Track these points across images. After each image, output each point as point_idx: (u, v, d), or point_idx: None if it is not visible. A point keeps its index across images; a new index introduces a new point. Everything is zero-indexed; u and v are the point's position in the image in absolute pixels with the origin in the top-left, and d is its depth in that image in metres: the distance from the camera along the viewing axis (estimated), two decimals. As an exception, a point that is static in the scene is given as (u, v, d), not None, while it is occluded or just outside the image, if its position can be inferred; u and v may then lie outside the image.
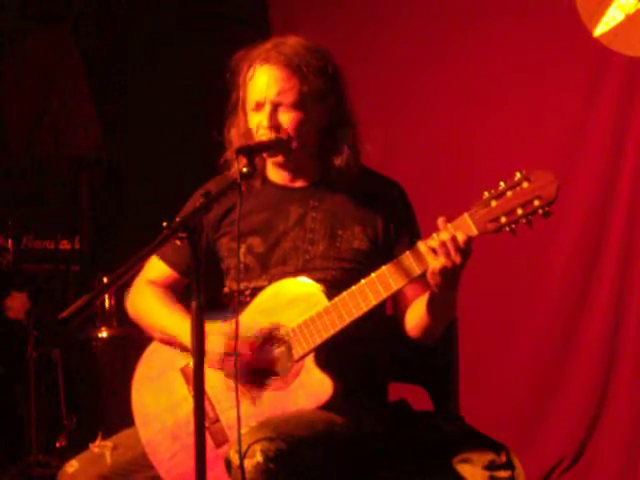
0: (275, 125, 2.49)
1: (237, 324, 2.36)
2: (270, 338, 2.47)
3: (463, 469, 2.49)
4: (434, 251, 2.28)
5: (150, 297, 2.66)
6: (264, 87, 2.51)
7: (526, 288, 4.14)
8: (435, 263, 2.28)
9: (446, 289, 2.33)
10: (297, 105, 2.49)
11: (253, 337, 2.45)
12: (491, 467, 2.47)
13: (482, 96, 4.20)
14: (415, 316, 2.50)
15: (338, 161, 2.55)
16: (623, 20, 3.91)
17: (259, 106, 2.52)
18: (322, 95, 2.53)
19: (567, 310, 4.07)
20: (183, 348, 2.53)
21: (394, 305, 2.58)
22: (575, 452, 4.02)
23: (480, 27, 4.21)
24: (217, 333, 2.44)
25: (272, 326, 2.47)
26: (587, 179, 4.00)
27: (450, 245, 2.26)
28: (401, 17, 4.41)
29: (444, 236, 2.26)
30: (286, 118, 2.50)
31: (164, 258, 2.66)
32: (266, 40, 2.58)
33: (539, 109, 4.07)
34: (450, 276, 2.29)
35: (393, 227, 2.56)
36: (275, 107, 2.50)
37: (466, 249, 2.26)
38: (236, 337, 2.35)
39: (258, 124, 2.51)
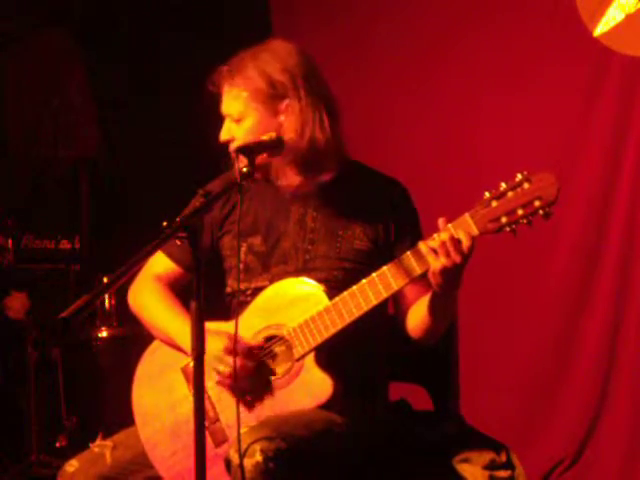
0: (228, 138, 2.55)
1: (237, 324, 2.36)
2: (268, 346, 2.48)
3: (463, 469, 2.49)
4: (435, 251, 2.28)
5: (152, 295, 2.67)
6: (222, 105, 2.57)
7: (526, 288, 4.14)
8: (436, 263, 2.28)
9: (448, 289, 2.33)
10: (242, 113, 2.52)
11: (251, 349, 2.46)
12: (491, 467, 2.48)
13: (482, 96, 4.20)
14: (417, 317, 2.50)
15: (322, 157, 2.54)
16: (623, 20, 3.91)
17: (223, 122, 2.59)
18: (272, 97, 2.52)
19: (567, 310, 4.07)
20: (182, 351, 2.53)
21: (395, 306, 2.58)
22: (575, 452, 4.02)
23: (480, 27, 4.21)
24: (216, 339, 2.44)
25: (272, 327, 2.48)
26: (587, 179, 4.00)
27: (450, 245, 2.26)
28: (402, 17, 4.41)
29: (445, 236, 2.26)
30: (236, 127, 2.54)
31: (168, 254, 2.67)
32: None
33: (539, 109, 4.07)
34: (451, 276, 2.29)
35: (394, 227, 2.56)
36: (230, 120, 2.55)
37: (467, 249, 2.26)
38: (235, 337, 2.35)
39: None
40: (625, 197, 3.94)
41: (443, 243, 2.26)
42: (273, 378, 2.45)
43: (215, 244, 2.66)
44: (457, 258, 2.26)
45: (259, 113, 2.52)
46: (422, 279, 2.36)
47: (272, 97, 2.52)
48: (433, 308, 2.42)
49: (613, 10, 3.92)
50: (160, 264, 2.68)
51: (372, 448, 2.51)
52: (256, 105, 2.52)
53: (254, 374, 2.44)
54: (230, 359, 2.39)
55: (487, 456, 2.50)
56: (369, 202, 2.57)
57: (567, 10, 3.98)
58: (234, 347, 2.36)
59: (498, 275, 4.13)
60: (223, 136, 2.56)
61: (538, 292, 4.12)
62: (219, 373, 2.43)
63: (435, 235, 2.30)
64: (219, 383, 2.46)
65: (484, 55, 4.20)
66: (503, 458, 2.51)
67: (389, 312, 2.61)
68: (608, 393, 3.98)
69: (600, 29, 3.95)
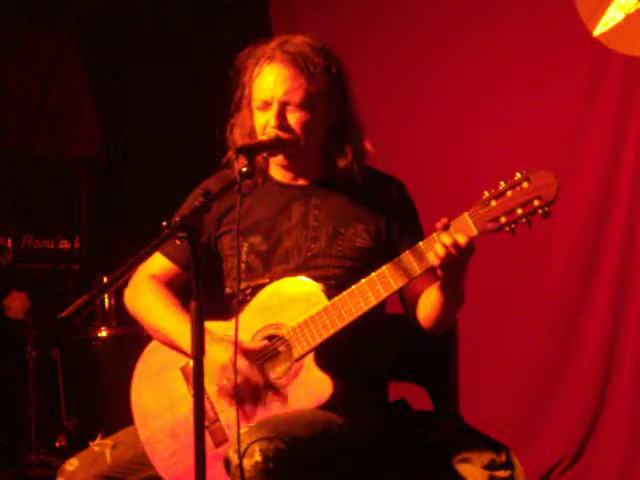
0: (283, 125, 2.48)
1: (237, 324, 2.35)
2: (268, 346, 2.47)
3: (463, 469, 2.49)
4: (435, 250, 2.28)
5: (150, 294, 2.65)
6: (271, 86, 2.49)
7: (526, 288, 4.14)
8: (437, 261, 2.28)
9: (453, 281, 2.33)
10: (304, 104, 2.49)
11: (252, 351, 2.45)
12: (491, 467, 2.48)
13: (482, 96, 4.20)
14: (426, 307, 2.48)
15: (342, 162, 2.55)
16: (623, 20, 3.91)
17: (266, 105, 2.50)
18: (328, 94, 2.52)
19: (567, 310, 4.07)
20: (181, 351, 2.53)
21: (402, 298, 2.56)
22: (575, 452, 4.02)
23: (480, 27, 4.21)
24: (217, 345, 2.44)
25: (272, 326, 2.47)
26: (587, 179, 4.00)
27: (451, 245, 2.26)
28: (401, 17, 4.41)
29: (444, 238, 2.26)
30: (294, 117, 2.49)
31: (165, 253, 2.64)
32: (270, 38, 2.58)
33: (539, 109, 4.07)
34: (454, 271, 2.30)
35: (395, 225, 2.56)
36: (283, 106, 2.49)
37: (467, 248, 2.26)
38: (235, 337, 2.35)
39: (265, 123, 2.50)
40: (625, 197, 3.94)
41: (443, 243, 2.26)
42: (272, 378, 2.45)
43: (212, 243, 2.65)
44: (459, 257, 2.26)
45: (321, 106, 2.51)
46: (427, 273, 2.36)
47: (332, 93, 2.52)
48: (441, 297, 2.41)
49: (613, 10, 3.92)
50: (156, 263, 2.66)
51: (372, 448, 2.51)
52: (320, 99, 2.50)
53: (254, 385, 2.43)
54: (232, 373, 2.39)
55: (487, 456, 2.50)
56: (371, 201, 2.57)
57: (567, 10, 3.98)
58: (235, 344, 2.35)
59: (498, 275, 4.13)
60: (275, 121, 2.47)
61: (538, 292, 4.12)
62: (220, 385, 2.43)
63: (434, 234, 2.30)
64: (219, 392, 2.45)
65: (484, 54, 4.20)
66: (503, 458, 2.51)
67: (387, 312, 2.61)
68: (608, 393, 3.98)
69: (600, 29, 3.95)
